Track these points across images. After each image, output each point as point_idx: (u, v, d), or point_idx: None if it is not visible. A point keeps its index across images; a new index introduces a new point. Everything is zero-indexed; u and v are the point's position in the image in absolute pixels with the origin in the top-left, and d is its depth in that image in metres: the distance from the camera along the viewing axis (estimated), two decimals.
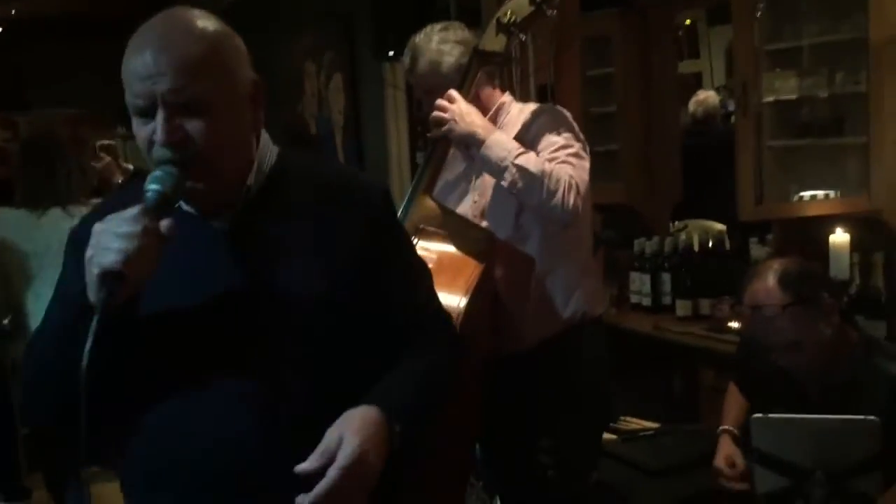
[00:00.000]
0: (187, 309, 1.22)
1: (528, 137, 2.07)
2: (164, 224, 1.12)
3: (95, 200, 3.17)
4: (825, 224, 2.78)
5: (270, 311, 1.23)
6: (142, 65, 1.16)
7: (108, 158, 5.16)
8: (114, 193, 1.95)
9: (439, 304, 1.46)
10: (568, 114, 2.19)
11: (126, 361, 1.18)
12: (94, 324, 1.05)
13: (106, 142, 5.32)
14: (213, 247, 1.25)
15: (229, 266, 1.24)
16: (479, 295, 1.89)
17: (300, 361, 1.22)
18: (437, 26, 2.17)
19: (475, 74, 2.08)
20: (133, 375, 1.21)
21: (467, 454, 2.10)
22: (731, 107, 5.85)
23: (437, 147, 2.11)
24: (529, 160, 1.97)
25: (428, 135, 2.11)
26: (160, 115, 1.16)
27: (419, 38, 2.15)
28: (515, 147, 1.99)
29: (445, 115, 2.03)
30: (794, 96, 2.82)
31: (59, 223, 2.94)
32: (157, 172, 1.16)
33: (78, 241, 1.23)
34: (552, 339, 2.12)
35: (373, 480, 1.17)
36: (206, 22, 1.22)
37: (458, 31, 2.16)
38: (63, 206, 3.05)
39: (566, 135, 2.08)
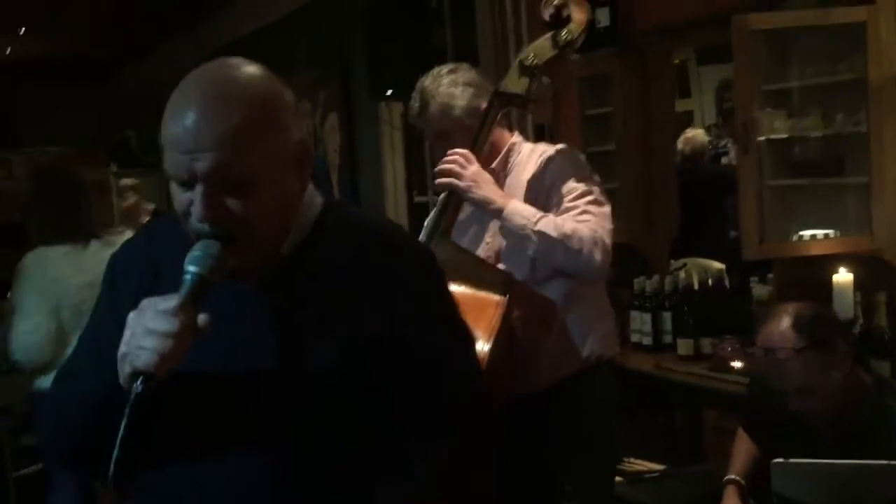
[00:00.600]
0: (206, 371, 1.16)
1: (543, 183, 2.07)
2: (202, 319, 1.07)
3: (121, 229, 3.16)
4: (826, 263, 2.78)
5: (290, 382, 1.17)
6: (182, 136, 1.09)
7: (134, 198, 5.16)
8: (141, 230, 1.90)
9: (466, 379, 1.31)
10: (581, 155, 2.19)
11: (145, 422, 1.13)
12: (124, 421, 1.02)
13: (130, 181, 5.30)
14: (239, 308, 1.18)
15: (252, 329, 1.18)
16: (501, 337, 1.88)
17: (313, 435, 1.17)
18: (445, 69, 2.16)
19: (495, 116, 2.09)
20: (151, 433, 1.14)
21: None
22: (722, 145, 5.92)
23: (448, 205, 2.09)
24: (549, 225, 1.96)
25: (437, 182, 2.09)
26: (199, 191, 1.09)
27: (427, 81, 2.14)
28: (533, 213, 1.99)
29: (462, 179, 2.01)
30: (784, 136, 2.83)
31: (101, 252, 2.86)
32: (196, 252, 1.10)
33: (114, 271, 1.26)
34: (566, 381, 2.11)
35: None
36: (252, 81, 1.14)
37: (467, 73, 2.16)
38: (99, 237, 3.00)
39: (583, 181, 2.07)
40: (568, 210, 2.03)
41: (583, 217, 2.00)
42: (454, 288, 1.92)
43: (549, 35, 2.07)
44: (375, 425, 1.19)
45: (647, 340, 3.36)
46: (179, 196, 1.13)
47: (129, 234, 3.00)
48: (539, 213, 1.99)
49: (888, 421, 1.87)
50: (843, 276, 2.68)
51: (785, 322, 1.89)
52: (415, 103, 2.15)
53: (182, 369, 1.10)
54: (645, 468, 2.68)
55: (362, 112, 5.47)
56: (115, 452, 1.02)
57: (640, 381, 3.19)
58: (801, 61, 2.83)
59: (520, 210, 1.99)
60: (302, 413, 1.17)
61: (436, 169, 2.06)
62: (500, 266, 2.10)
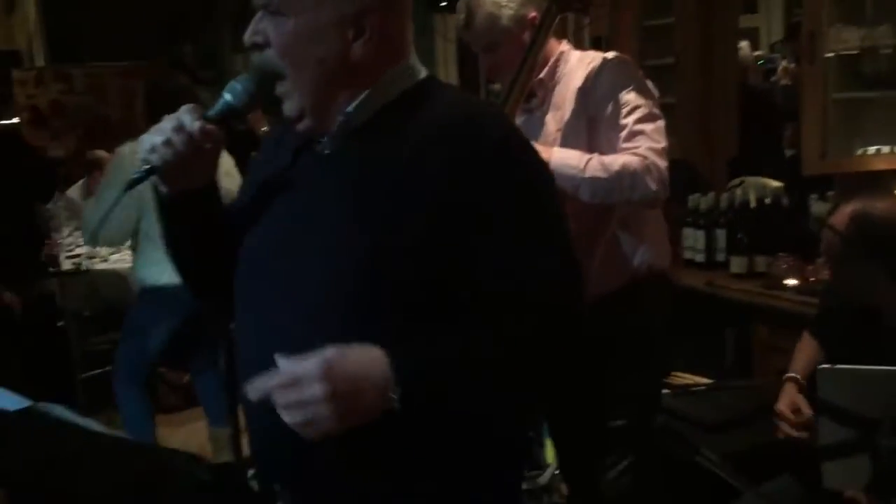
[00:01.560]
0: (263, 221, 1.28)
1: (594, 95, 2.02)
2: (196, 125, 1.18)
3: None
4: (888, 179, 2.71)
5: (323, 250, 1.19)
6: None
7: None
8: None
9: (551, 270, 1.20)
10: (632, 64, 2.14)
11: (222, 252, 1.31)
12: (118, 194, 1.27)
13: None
14: (304, 167, 1.26)
15: (304, 190, 1.25)
16: None
17: (344, 306, 1.17)
18: None
19: (552, 22, 2.03)
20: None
21: None
22: (779, 62, 5.70)
23: (511, 93, 2.05)
24: (598, 168, 1.93)
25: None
26: (255, 17, 1.21)
27: None
28: (579, 159, 1.94)
29: None
30: (852, 48, 2.73)
31: None
32: (235, 82, 1.22)
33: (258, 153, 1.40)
34: (618, 292, 2.11)
35: (332, 413, 1.06)
36: None
37: None
38: None
39: (634, 92, 2.01)
40: (619, 129, 1.98)
41: (633, 142, 1.96)
42: None
43: None
44: (442, 307, 1.16)
45: (700, 257, 3.33)
46: None
47: None
48: (585, 158, 1.94)
49: None
50: None
51: (852, 206, 1.89)
52: (461, 14, 2.09)
53: (249, 212, 1.29)
54: (691, 382, 2.70)
55: (416, 24, 5.37)
56: (105, 214, 1.24)
57: (691, 298, 3.18)
58: None
59: (566, 160, 1.95)
60: (331, 280, 1.17)
61: None
62: None
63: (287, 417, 1.06)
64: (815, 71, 2.65)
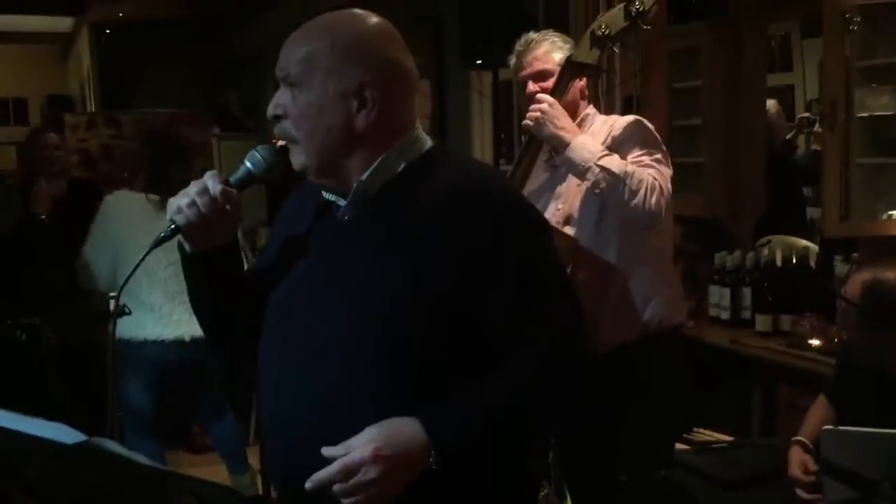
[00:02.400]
0: (288, 284, 1.40)
1: (612, 148, 2.12)
2: (217, 189, 1.32)
3: None
4: None
5: (347, 313, 1.30)
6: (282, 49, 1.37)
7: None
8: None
9: (560, 313, 1.35)
10: (651, 126, 2.23)
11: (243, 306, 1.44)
12: (145, 253, 1.38)
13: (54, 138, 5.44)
14: (326, 232, 1.38)
15: (337, 257, 1.35)
16: None
17: (371, 361, 1.27)
18: (546, 30, 2.32)
19: (567, 83, 2.15)
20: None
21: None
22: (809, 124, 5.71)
23: (527, 152, 2.18)
24: (612, 161, 2.02)
25: (522, 124, 2.19)
26: (278, 91, 1.36)
27: (533, 34, 2.29)
28: (599, 149, 2.05)
29: (539, 114, 2.10)
30: (889, 112, 2.78)
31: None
32: (256, 151, 1.38)
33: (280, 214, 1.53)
34: (630, 345, 2.17)
35: (385, 489, 1.21)
36: (344, 22, 1.36)
37: (562, 36, 2.30)
38: None
39: (649, 144, 2.14)
40: (633, 162, 2.09)
41: (646, 168, 2.07)
42: None
43: (621, 6, 2.10)
44: (440, 358, 1.28)
45: (725, 315, 3.36)
46: None
47: None
48: (605, 151, 2.06)
49: None
50: None
51: (864, 275, 1.93)
52: (519, 47, 2.27)
53: (275, 269, 1.42)
54: (713, 438, 2.72)
55: (453, 79, 5.55)
56: (130, 272, 1.43)
57: (715, 355, 3.21)
58: (892, 37, 2.77)
59: (587, 145, 2.06)
60: (358, 338, 1.29)
61: (532, 109, 2.13)
62: (567, 229, 2.17)
63: (346, 502, 1.21)
64: (835, 137, 2.71)
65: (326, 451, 1.22)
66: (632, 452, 2.14)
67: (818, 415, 2.17)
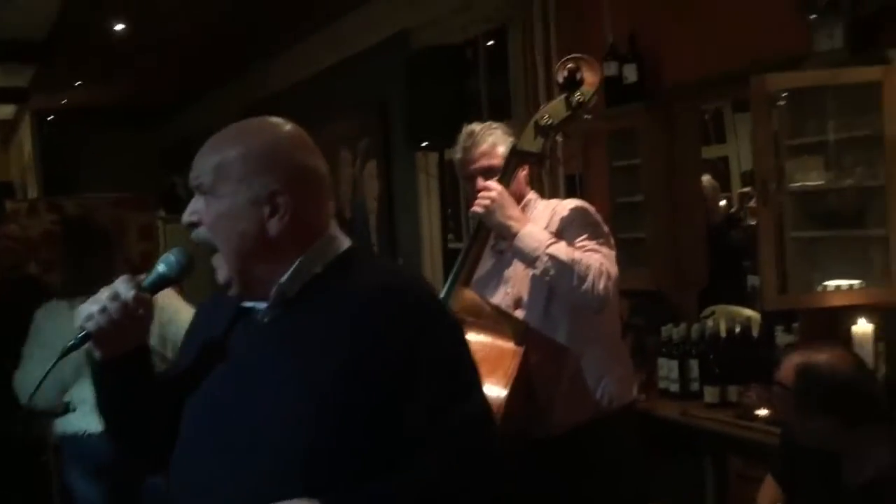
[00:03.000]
0: (204, 388, 1.39)
1: (556, 233, 2.18)
2: (129, 294, 1.32)
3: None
4: (850, 313, 2.82)
5: (264, 417, 1.30)
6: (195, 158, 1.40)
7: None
8: None
9: (472, 421, 1.35)
10: (591, 208, 2.30)
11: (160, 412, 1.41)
12: (55, 361, 1.36)
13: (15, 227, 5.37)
14: (244, 335, 1.39)
15: (257, 359, 1.35)
16: (518, 384, 1.98)
17: (287, 469, 1.27)
18: (488, 122, 2.38)
19: (514, 172, 2.22)
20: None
21: None
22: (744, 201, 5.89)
23: (476, 240, 2.23)
24: (560, 249, 2.07)
25: (470, 212, 2.25)
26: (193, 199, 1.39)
27: (475, 126, 2.34)
28: (547, 237, 2.10)
29: (488, 202, 2.15)
30: (820, 183, 2.89)
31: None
32: (170, 255, 1.39)
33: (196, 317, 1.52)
34: (583, 426, 2.19)
35: None
36: (253, 132, 1.39)
37: (504, 127, 2.36)
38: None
39: (591, 228, 2.20)
40: (579, 248, 2.15)
41: (591, 253, 2.13)
42: (472, 337, 2.04)
43: (562, 97, 2.19)
44: (371, 465, 1.28)
45: (675, 387, 3.41)
46: None
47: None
48: (552, 239, 2.11)
49: None
50: (862, 327, 2.72)
51: (796, 359, 1.98)
52: (464, 142, 2.33)
53: (191, 373, 1.40)
54: None
55: (400, 160, 5.64)
56: (40, 382, 1.49)
57: (667, 428, 3.24)
58: (821, 116, 2.91)
59: (534, 234, 2.12)
60: (274, 448, 1.28)
61: (481, 197, 2.19)
62: (519, 312, 2.20)
63: None
64: (766, 213, 2.81)
65: None
66: None
67: (769, 494, 2.19)
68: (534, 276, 2.18)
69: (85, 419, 3.06)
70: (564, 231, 2.19)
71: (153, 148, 9.83)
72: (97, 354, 1.37)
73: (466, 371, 1.40)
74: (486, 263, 2.32)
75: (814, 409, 1.93)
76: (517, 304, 2.24)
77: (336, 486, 1.26)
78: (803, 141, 2.94)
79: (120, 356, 1.37)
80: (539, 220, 2.26)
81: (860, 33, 2.79)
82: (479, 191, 2.25)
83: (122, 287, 1.33)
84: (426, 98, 4.54)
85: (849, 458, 1.97)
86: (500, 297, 2.26)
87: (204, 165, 1.36)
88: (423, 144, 4.63)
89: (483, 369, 1.70)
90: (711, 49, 3.43)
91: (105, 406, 1.46)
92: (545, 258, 2.06)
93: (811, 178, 2.93)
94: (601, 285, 2.06)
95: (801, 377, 1.95)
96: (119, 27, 6.12)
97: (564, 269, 2.05)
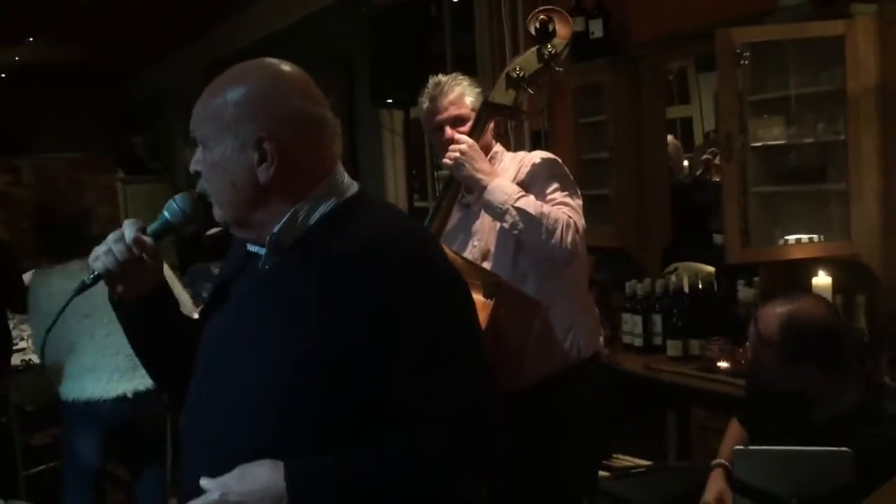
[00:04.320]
0: (208, 330, 1.43)
1: (523, 185, 2.18)
2: (130, 235, 1.37)
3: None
4: (810, 267, 2.87)
5: (252, 362, 1.30)
6: None
7: None
8: None
9: (462, 386, 1.28)
10: (558, 160, 2.30)
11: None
12: (72, 296, 1.41)
13: None
14: (246, 281, 1.40)
15: (254, 309, 1.35)
16: (488, 337, 1.96)
17: (266, 414, 1.27)
18: (453, 73, 2.36)
19: (485, 124, 2.21)
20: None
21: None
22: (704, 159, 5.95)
23: (446, 194, 2.22)
24: (529, 203, 2.07)
25: (441, 163, 2.23)
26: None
27: (442, 77, 2.32)
28: (516, 191, 2.10)
29: (458, 154, 2.14)
30: (782, 142, 2.93)
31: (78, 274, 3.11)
32: (173, 201, 1.41)
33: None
34: (552, 376, 2.21)
35: None
36: (247, 78, 1.36)
37: (469, 79, 2.34)
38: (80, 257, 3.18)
39: (559, 179, 2.20)
40: (547, 200, 2.16)
41: (559, 206, 2.13)
42: None
43: (534, 49, 2.17)
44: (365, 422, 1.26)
45: (638, 342, 3.46)
46: None
47: None
48: (521, 192, 2.11)
49: (873, 413, 1.95)
50: (821, 280, 2.77)
51: (777, 311, 1.98)
52: (431, 91, 2.30)
53: (204, 317, 1.45)
54: (632, 464, 2.78)
55: (365, 118, 5.59)
56: (55, 317, 1.49)
57: (630, 382, 3.28)
58: (783, 73, 2.94)
59: (503, 186, 2.11)
60: (256, 397, 1.28)
61: (451, 149, 2.17)
62: (486, 265, 2.21)
63: None
64: (731, 168, 2.84)
65: (203, 482, 1.26)
66: (558, 482, 2.17)
67: (734, 436, 2.24)
68: (501, 229, 2.18)
69: (84, 386, 3.13)
70: (532, 183, 2.19)
71: (111, 108, 9.63)
72: (114, 294, 1.42)
73: (457, 333, 1.32)
74: (453, 217, 2.31)
75: (802, 357, 1.95)
76: (484, 256, 2.24)
77: (307, 441, 1.25)
78: (766, 97, 2.96)
79: (136, 297, 1.42)
80: (506, 172, 2.25)
81: None
82: (449, 141, 2.22)
83: (127, 230, 1.38)
84: (390, 55, 4.49)
85: (820, 401, 2.00)
86: (468, 251, 2.26)
87: (198, 116, 1.36)
88: (388, 102, 4.59)
89: None
90: (677, 5, 3.44)
91: (134, 344, 1.51)
92: (514, 212, 2.06)
93: (773, 136, 2.96)
94: (569, 238, 2.07)
95: (787, 328, 1.96)
96: None
97: (533, 222, 2.05)
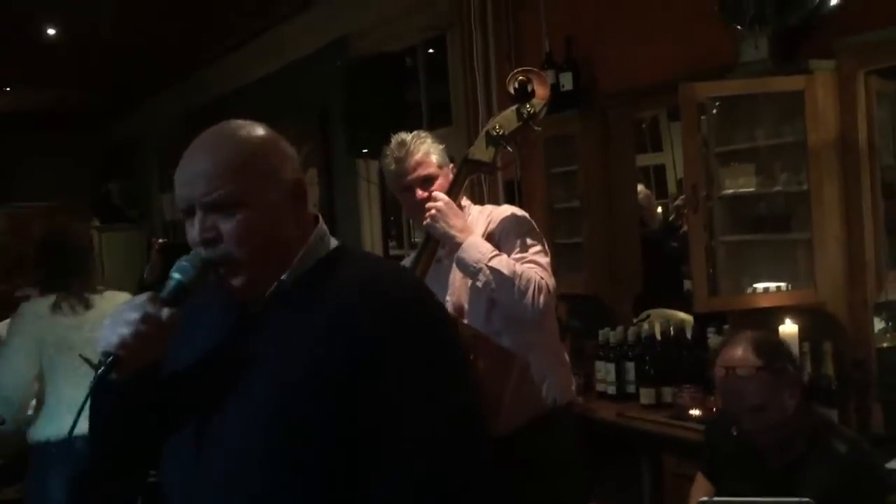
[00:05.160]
0: (194, 382, 1.33)
1: (493, 240, 2.22)
2: (165, 313, 1.24)
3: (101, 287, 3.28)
4: (777, 315, 2.91)
5: (252, 414, 1.25)
6: (182, 171, 1.29)
7: None
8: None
9: (448, 426, 1.25)
10: (527, 216, 2.34)
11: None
12: (87, 393, 1.25)
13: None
14: (246, 328, 1.32)
15: (251, 349, 1.30)
16: None
17: (272, 470, 1.23)
18: (415, 132, 2.36)
19: (464, 180, 2.25)
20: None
21: None
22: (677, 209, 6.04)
23: (425, 249, 2.25)
24: (502, 262, 2.11)
25: (425, 220, 2.24)
26: (197, 216, 1.27)
27: (404, 136, 2.32)
28: (489, 250, 2.13)
29: (434, 212, 2.17)
30: (750, 190, 2.98)
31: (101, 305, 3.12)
32: (183, 262, 1.28)
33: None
34: (526, 426, 2.22)
35: None
36: (248, 130, 1.32)
37: (431, 136, 2.37)
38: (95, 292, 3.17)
39: (530, 236, 2.24)
40: (518, 262, 2.19)
41: (530, 265, 2.17)
42: None
43: (514, 108, 2.23)
44: (357, 472, 1.22)
45: (612, 390, 3.48)
46: (189, 232, 1.29)
47: (117, 295, 3.20)
48: (494, 251, 2.15)
49: (826, 458, 2.01)
50: (788, 328, 2.82)
51: (745, 345, 2.09)
52: (396, 152, 2.30)
53: (179, 374, 1.32)
54: None
55: (341, 167, 5.63)
56: (75, 419, 1.26)
57: (604, 429, 3.30)
58: (751, 123, 3.01)
59: (478, 245, 2.15)
60: (245, 446, 1.24)
61: (428, 207, 2.20)
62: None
63: None
64: (697, 218, 2.89)
65: None
66: None
67: (700, 491, 2.27)
68: (473, 285, 2.21)
69: (62, 422, 3.01)
70: (502, 240, 2.22)
71: (87, 155, 9.61)
72: (115, 376, 1.24)
73: (459, 366, 1.31)
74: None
75: (788, 376, 2.06)
76: (459, 311, 2.26)
77: (305, 485, 1.22)
78: (733, 148, 3.03)
79: (136, 374, 1.26)
80: (475, 226, 2.29)
81: (784, 45, 2.90)
82: (419, 202, 2.25)
83: (150, 307, 1.23)
84: (366, 105, 4.55)
85: (777, 444, 2.06)
86: (445, 304, 2.28)
87: (211, 176, 1.25)
88: (364, 151, 4.64)
89: None
90: (644, 59, 3.53)
91: (105, 425, 1.35)
92: (487, 271, 2.10)
93: (741, 185, 3.02)
94: (541, 300, 2.11)
95: (765, 351, 2.08)
96: (51, 31, 5.99)
97: (505, 283, 2.10)
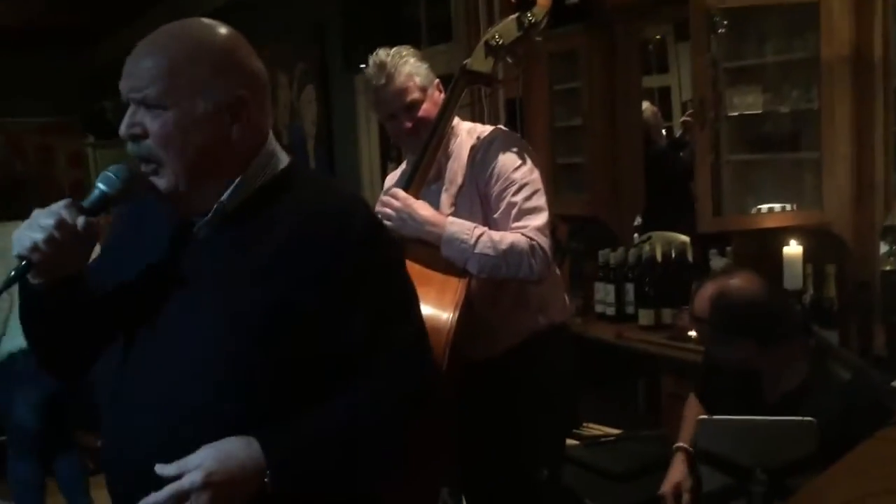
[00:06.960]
0: (138, 297, 1.33)
1: (482, 174, 2.13)
2: (81, 222, 1.23)
3: None
4: (782, 236, 2.87)
5: (198, 329, 1.27)
6: (126, 63, 1.29)
7: None
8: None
9: (409, 339, 1.36)
10: (516, 137, 2.24)
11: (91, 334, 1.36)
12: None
13: None
14: (180, 251, 1.32)
15: (190, 273, 1.31)
16: (464, 309, 1.97)
17: (216, 382, 1.25)
18: (395, 49, 2.18)
19: (461, 92, 2.14)
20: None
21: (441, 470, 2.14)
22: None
23: (414, 175, 2.15)
24: (487, 245, 2.03)
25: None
26: (129, 110, 1.28)
27: (383, 57, 2.15)
28: (470, 233, 2.04)
29: (393, 214, 2.07)
30: (758, 111, 2.90)
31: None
32: (108, 172, 1.28)
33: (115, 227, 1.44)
34: (519, 347, 2.19)
35: None
36: (199, 33, 1.30)
37: (413, 51, 2.20)
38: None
39: (520, 171, 2.12)
40: (509, 206, 2.10)
41: (522, 221, 2.08)
42: (420, 261, 1.99)
43: (514, 17, 2.12)
44: (288, 384, 1.26)
45: (611, 311, 3.46)
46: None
47: None
48: (476, 233, 2.04)
49: (825, 383, 1.97)
50: (792, 249, 2.77)
51: (709, 290, 2.03)
52: (376, 79, 2.15)
53: (123, 287, 1.34)
54: (601, 432, 2.79)
55: (338, 84, 5.50)
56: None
57: (602, 350, 3.30)
58: (760, 40, 2.91)
59: (457, 234, 2.04)
60: (204, 359, 1.26)
61: (384, 215, 2.09)
62: None
63: None
64: (705, 135, 2.82)
65: (160, 468, 1.19)
66: (526, 451, 2.17)
67: (694, 415, 2.25)
68: (460, 211, 2.13)
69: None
70: (492, 177, 2.12)
71: (79, 72, 9.43)
72: (36, 282, 1.26)
73: (408, 293, 1.38)
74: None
75: (730, 335, 1.98)
76: None
77: (266, 405, 1.24)
78: (742, 63, 2.93)
79: (59, 281, 1.27)
80: (463, 146, 2.18)
81: None
82: (406, 131, 2.14)
83: (67, 213, 1.22)
84: (362, 20, 4.42)
85: (767, 376, 2.02)
86: None
87: (145, 74, 1.25)
88: (361, 67, 4.51)
89: (431, 294, 1.71)
90: None
91: (36, 328, 1.38)
92: (476, 257, 2.03)
93: (749, 105, 2.93)
94: (536, 265, 2.04)
95: (714, 307, 2.00)
96: None
97: (498, 263, 2.03)
